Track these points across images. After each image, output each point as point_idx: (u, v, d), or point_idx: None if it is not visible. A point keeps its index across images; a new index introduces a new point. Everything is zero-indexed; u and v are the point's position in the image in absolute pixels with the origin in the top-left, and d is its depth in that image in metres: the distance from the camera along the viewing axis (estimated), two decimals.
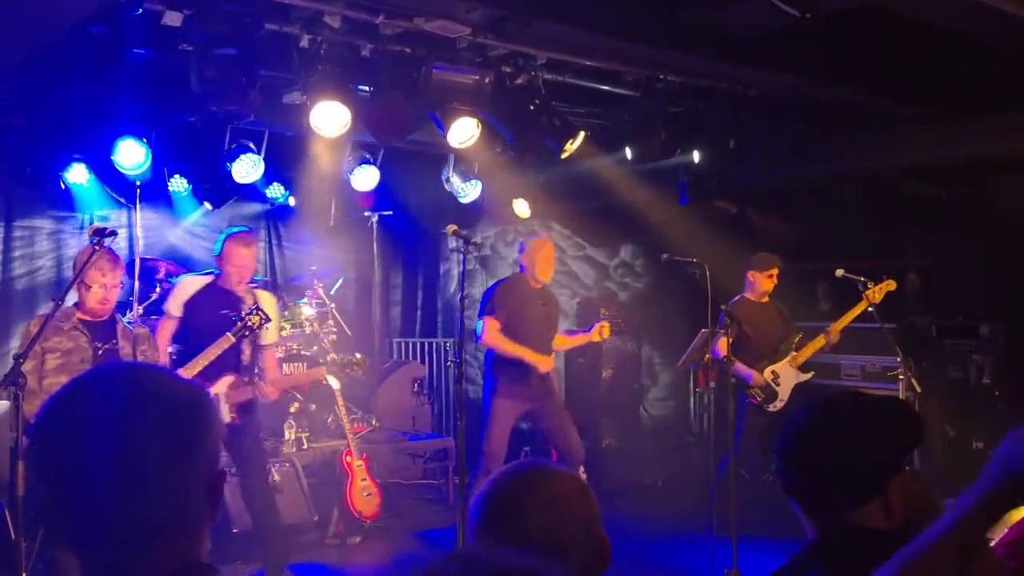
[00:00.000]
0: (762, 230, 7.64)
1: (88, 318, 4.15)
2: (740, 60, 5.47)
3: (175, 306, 4.76)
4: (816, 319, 6.95)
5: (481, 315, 5.53)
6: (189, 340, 4.71)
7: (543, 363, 5.48)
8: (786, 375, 5.90)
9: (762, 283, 5.95)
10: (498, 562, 0.84)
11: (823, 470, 1.64)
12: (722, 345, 5.37)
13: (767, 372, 5.87)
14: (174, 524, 1.13)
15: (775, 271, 5.95)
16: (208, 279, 4.82)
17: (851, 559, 1.57)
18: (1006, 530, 2.09)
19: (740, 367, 5.74)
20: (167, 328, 4.77)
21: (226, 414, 4.56)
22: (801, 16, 4.05)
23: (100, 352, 4.13)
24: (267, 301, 4.85)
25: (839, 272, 5.51)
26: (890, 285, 5.58)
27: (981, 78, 5.85)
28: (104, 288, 4.10)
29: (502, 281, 5.80)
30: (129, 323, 4.40)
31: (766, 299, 6.03)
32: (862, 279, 5.46)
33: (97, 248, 3.88)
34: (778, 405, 5.86)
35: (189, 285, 4.82)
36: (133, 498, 1.09)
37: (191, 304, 4.74)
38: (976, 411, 6.38)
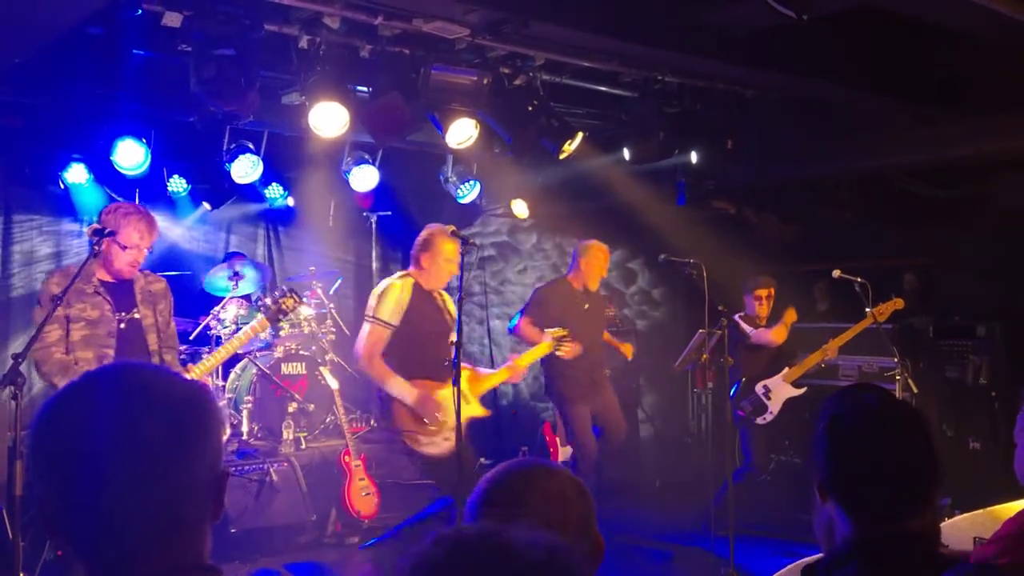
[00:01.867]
0: (760, 230, 7.65)
1: (110, 279, 4.03)
2: (738, 60, 5.47)
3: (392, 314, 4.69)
4: (814, 320, 6.97)
5: (520, 313, 5.95)
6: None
7: (572, 350, 5.57)
8: (778, 389, 5.93)
9: (754, 305, 6.02)
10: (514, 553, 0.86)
11: (892, 478, 1.63)
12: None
13: (759, 386, 5.90)
14: (175, 523, 1.13)
15: (763, 292, 6.00)
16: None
17: (894, 556, 1.59)
18: (999, 526, 2.10)
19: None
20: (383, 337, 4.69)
21: None
22: (797, 17, 4.04)
23: (123, 324, 4.03)
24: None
25: (836, 273, 5.52)
26: (898, 304, 5.61)
27: (978, 78, 5.86)
28: (138, 250, 3.98)
29: (547, 284, 6.21)
30: (143, 271, 4.25)
31: (764, 322, 6.07)
32: (859, 280, 5.47)
33: (98, 243, 3.83)
34: (767, 418, 5.90)
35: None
36: (132, 498, 1.09)
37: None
38: (973, 411, 6.39)
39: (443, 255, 4.78)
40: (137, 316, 4.09)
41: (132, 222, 3.90)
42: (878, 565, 1.57)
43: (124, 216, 3.93)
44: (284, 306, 4.61)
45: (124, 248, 3.93)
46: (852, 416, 1.67)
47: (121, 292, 4.08)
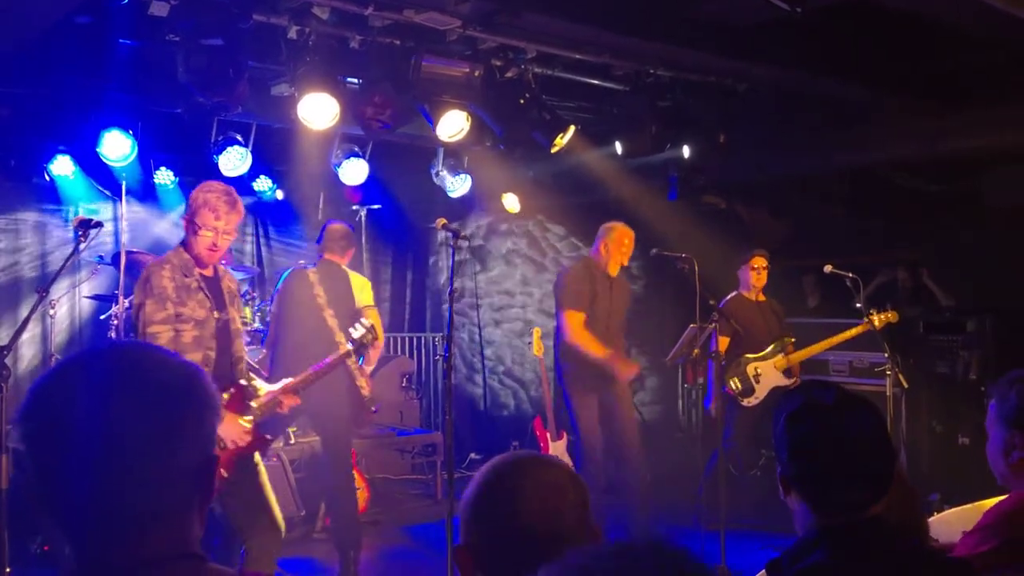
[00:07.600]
0: (751, 225, 7.66)
1: (208, 273, 3.64)
2: (730, 54, 5.46)
3: None
4: (805, 315, 6.97)
5: (561, 309, 5.29)
6: None
7: (625, 370, 5.24)
8: (768, 375, 5.92)
9: (750, 277, 5.99)
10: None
11: (853, 471, 1.69)
12: (722, 345, 5.45)
13: (750, 367, 5.90)
14: (162, 510, 1.11)
15: (760, 263, 5.98)
16: None
17: (859, 543, 1.65)
18: (980, 516, 2.15)
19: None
20: None
21: None
22: (792, 10, 4.04)
23: (219, 326, 3.62)
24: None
25: (827, 268, 5.52)
26: (891, 317, 5.63)
27: (970, 72, 5.87)
28: (215, 232, 3.52)
29: (573, 266, 5.62)
30: (230, 267, 3.86)
31: (762, 297, 6.07)
32: (850, 275, 5.47)
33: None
34: (752, 401, 5.89)
35: None
36: (120, 482, 1.08)
37: None
38: (962, 406, 6.41)
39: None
40: (227, 318, 3.69)
41: (209, 200, 3.51)
42: (845, 549, 1.65)
43: (203, 194, 3.55)
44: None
45: (198, 230, 3.52)
46: (809, 414, 1.73)
47: (214, 289, 3.68)
